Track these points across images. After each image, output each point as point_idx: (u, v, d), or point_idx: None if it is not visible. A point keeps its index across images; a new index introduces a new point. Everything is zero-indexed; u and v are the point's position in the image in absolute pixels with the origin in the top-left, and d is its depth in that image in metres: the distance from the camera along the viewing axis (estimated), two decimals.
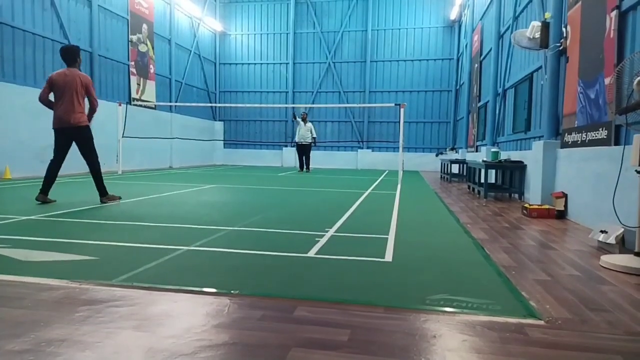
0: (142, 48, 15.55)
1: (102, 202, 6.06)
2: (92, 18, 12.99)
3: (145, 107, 15.47)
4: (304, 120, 15.39)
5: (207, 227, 4.33)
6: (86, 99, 6.17)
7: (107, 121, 13.13)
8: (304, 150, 15.49)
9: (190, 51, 19.27)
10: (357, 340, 1.85)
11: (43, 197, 5.87)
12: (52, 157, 6.11)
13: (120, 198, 6.34)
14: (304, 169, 15.56)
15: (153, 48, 16.21)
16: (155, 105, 16.10)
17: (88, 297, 2.28)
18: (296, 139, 15.62)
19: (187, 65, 19.02)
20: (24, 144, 10.52)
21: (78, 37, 12.50)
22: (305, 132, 15.21)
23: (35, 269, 2.79)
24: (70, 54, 6.07)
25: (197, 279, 2.64)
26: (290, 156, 20.62)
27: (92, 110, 6.22)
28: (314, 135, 15.43)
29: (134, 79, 14.98)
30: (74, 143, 6.16)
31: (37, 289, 2.39)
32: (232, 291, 2.42)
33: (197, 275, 2.74)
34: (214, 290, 2.44)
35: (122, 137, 12.66)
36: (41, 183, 5.99)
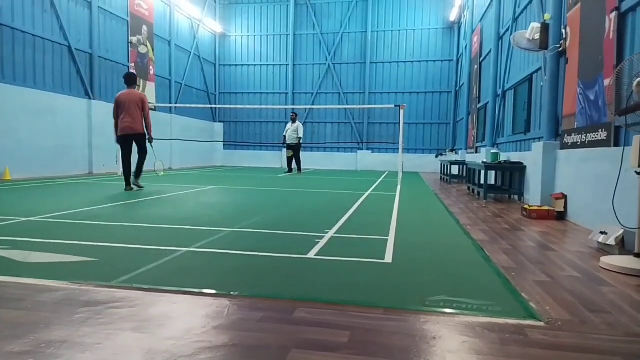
0: (142, 49, 15.56)
1: (133, 183, 7.93)
2: (92, 19, 13.01)
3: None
4: (293, 120, 15.22)
5: (207, 228, 4.33)
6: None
7: (107, 123, 13.13)
8: (291, 151, 15.30)
9: (190, 52, 19.29)
10: (356, 342, 1.84)
11: (129, 187, 7.81)
12: (122, 157, 8.02)
13: (143, 187, 8.18)
14: (293, 171, 15.29)
15: (153, 49, 16.23)
16: (155, 107, 16.10)
17: (88, 299, 2.28)
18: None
19: (187, 67, 19.04)
20: (23, 145, 10.53)
21: (78, 39, 12.52)
22: (292, 132, 15.04)
23: (35, 270, 2.79)
24: (132, 79, 8.10)
25: (197, 280, 2.64)
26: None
27: (148, 123, 8.04)
28: (299, 136, 15.03)
29: None
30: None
31: (36, 291, 2.39)
32: (231, 292, 2.42)
33: (197, 276, 2.74)
34: (213, 291, 2.44)
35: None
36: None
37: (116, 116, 7.89)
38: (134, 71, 10.23)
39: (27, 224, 4.39)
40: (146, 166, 8.32)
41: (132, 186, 7.88)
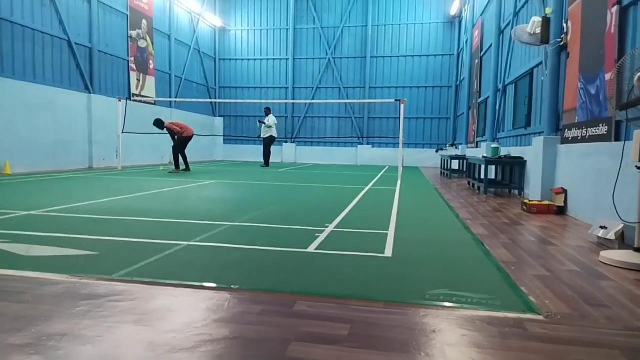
0: (142, 44, 15.51)
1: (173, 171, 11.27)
2: (92, 14, 12.96)
3: (145, 102, 15.45)
4: (267, 114, 15.13)
5: (207, 222, 4.34)
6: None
7: (107, 117, 13.13)
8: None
9: (190, 47, 19.23)
10: (356, 335, 1.85)
11: (177, 170, 11.35)
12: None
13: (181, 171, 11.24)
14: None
15: (153, 44, 16.18)
16: (155, 101, 16.09)
17: (88, 292, 2.29)
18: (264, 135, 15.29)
19: (187, 61, 18.99)
20: (23, 140, 10.52)
21: (78, 33, 12.48)
22: (265, 127, 15.02)
23: (36, 263, 2.80)
24: (157, 124, 11.35)
25: (198, 273, 2.65)
26: (290, 152, 20.63)
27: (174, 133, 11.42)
28: (270, 127, 15.12)
29: (133, 75, 14.96)
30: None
31: (37, 284, 2.40)
32: (232, 286, 2.42)
33: (198, 270, 2.75)
34: (214, 285, 2.44)
35: (122, 132, 12.65)
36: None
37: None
38: (159, 118, 11.67)
39: (27, 218, 4.40)
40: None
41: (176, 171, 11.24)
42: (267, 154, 15.27)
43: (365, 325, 1.95)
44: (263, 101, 19.78)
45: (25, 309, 2.06)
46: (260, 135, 15.35)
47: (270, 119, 15.18)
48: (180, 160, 11.49)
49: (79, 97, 12.42)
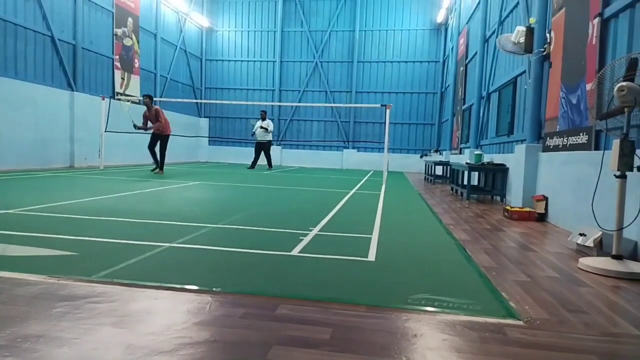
0: (127, 42, 15.34)
1: (156, 172, 10.81)
2: (77, 10, 12.77)
3: (129, 102, 15.27)
4: (263, 118, 15.08)
5: (190, 224, 4.30)
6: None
7: (90, 115, 12.94)
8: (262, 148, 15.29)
9: (176, 46, 19.08)
10: (338, 339, 1.85)
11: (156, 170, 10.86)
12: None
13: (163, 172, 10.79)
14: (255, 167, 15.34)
15: (138, 42, 16.01)
16: (139, 100, 15.90)
17: (67, 293, 2.24)
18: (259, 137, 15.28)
19: (173, 61, 18.83)
20: (2, 137, 10.29)
21: (61, 29, 12.28)
22: (261, 130, 14.99)
23: (13, 263, 2.73)
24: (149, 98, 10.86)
25: (179, 276, 2.62)
26: (276, 154, 20.55)
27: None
28: (270, 131, 15.19)
29: (118, 73, 14.78)
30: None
31: (14, 284, 2.34)
32: (214, 289, 2.40)
33: (179, 272, 2.72)
34: (195, 287, 2.42)
35: (105, 131, 12.46)
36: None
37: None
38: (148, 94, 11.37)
39: (4, 217, 4.30)
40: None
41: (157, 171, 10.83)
42: (269, 157, 15.35)
43: (347, 329, 1.95)
44: (249, 103, 19.72)
45: (0, 310, 2.00)
46: (255, 134, 15.16)
47: (270, 124, 15.24)
48: (153, 159, 10.95)
49: (61, 95, 12.22)
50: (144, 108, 10.92)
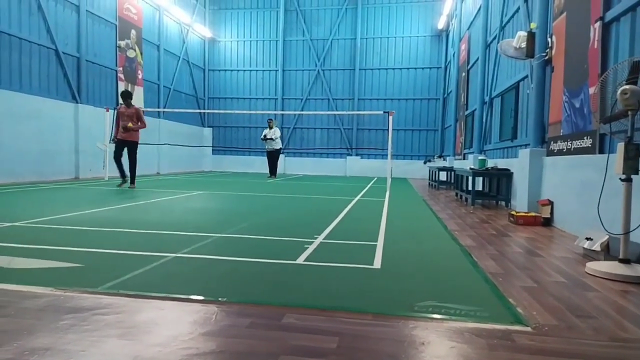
0: (131, 54, 15.46)
1: (129, 187, 9.41)
2: (80, 23, 12.89)
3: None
4: (270, 126, 15.22)
5: (195, 233, 4.30)
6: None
7: (94, 127, 13.01)
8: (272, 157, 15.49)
9: (179, 57, 19.21)
10: (345, 348, 1.84)
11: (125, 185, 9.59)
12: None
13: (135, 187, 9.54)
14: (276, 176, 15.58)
15: (141, 54, 16.13)
16: (143, 111, 15.98)
17: (73, 305, 2.25)
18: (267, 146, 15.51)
19: (176, 71, 18.95)
20: (7, 149, 10.35)
21: (65, 42, 12.40)
22: (270, 139, 15.18)
23: (19, 276, 2.74)
24: (124, 95, 9.76)
25: (185, 286, 2.62)
26: (279, 162, 20.58)
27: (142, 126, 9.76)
28: (277, 140, 15.41)
29: (121, 85, 14.88)
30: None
31: (20, 297, 2.35)
32: (219, 299, 2.40)
33: (185, 282, 2.72)
34: (201, 297, 2.41)
35: (110, 142, 12.51)
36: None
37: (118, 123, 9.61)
38: (126, 89, 10.98)
39: (11, 230, 4.32)
40: None
41: (131, 187, 9.46)
42: (276, 165, 15.57)
43: (354, 337, 1.94)
44: (252, 112, 19.80)
45: (7, 322, 2.01)
46: (266, 139, 15.27)
47: (277, 132, 15.37)
48: (119, 171, 9.68)
49: (65, 107, 12.30)
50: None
